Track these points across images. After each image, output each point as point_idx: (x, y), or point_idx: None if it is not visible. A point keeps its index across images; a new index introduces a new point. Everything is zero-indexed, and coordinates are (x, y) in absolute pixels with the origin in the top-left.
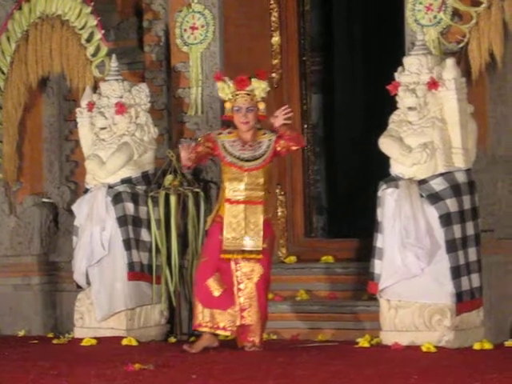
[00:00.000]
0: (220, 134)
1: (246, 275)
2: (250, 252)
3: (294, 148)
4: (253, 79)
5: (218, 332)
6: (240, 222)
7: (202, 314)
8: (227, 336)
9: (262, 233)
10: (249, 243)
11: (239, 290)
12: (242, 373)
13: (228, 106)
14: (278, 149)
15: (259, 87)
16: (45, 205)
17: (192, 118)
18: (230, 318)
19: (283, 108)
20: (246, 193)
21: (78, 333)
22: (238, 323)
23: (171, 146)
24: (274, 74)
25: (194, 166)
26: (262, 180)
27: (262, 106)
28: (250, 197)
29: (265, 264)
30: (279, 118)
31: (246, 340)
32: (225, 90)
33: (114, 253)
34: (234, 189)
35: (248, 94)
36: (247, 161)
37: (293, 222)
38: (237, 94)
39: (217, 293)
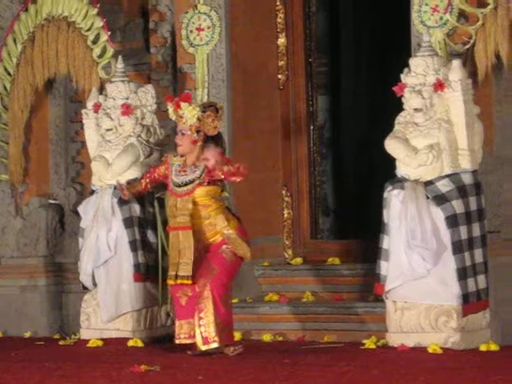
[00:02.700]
0: (175, 156)
1: (203, 280)
2: (182, 277)
3: (237, 180)
4: (181, 103)
5: (190, 341)
6: (176, 247)
7: (177, 327)
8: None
9: (192, 257)
10: (181, 268)
11: (199, 294)
12: (248, 374)
13: None
14: (219, 177)
15: (187, 112)
16: (51, 206)
17: None
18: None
19: (208, 150)
20: (178, 218)
21: (84, 334)
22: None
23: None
24: (280, 76)
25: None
26: (190, 205)
27: (193, 130)
28: (180, 222)
29: (221, 268)
30: (211, 161)
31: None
32: (170, 112)
33: (120, 254)
34: (171, 214)
35: (181, 117)
36: (179, 186)
37: (299, 223)
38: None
39: (183, 302)
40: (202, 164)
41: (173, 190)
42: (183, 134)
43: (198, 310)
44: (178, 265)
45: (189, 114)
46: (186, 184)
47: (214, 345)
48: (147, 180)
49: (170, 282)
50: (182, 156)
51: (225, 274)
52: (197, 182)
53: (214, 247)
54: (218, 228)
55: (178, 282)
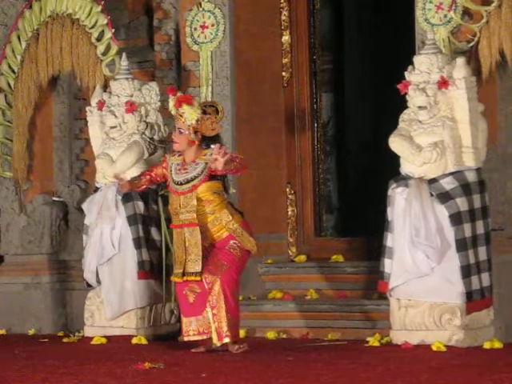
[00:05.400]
0: (173, 155)
1: (212, 276)
2: (190, 274)
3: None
4: (183, 104)
5: (198, 338)
6: (181, 245)
7: (184, 324)
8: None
9: (200, 254)
10: (188, 265)
11: (209, 290)
12: (252, 371)
13: None
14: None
15: (188, 113)
16: (55, 203)
17: None
18: (205, 321)
19: (216, 149)
20: (183, 216)
21: (88, 331)
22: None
23: None
24: (284, 73)
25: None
26: (194, 202)
27: (191, 131)
28: (185, 220)
29: (230, 263)
30: (220, 161)
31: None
32: (171, 106)
33: (124, 251)
34: (174, 213)
35: (180, 115)
36: (181, 184)
37: (303, 220)
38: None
39: (191, 299)
40: (202, 161)
41: (173, 188)
42: (181, 133)
43: (211, 306)
44: (185, 262)
45: (189, 116)
46: (187, 181)
47: (227, 339)
48: (147, 177)
49: (177, 279)
50: (180, 155)
51: (234, 270)
52: (199, 178)
53: (221, 243)
54: (224, 223)
55: (186, 279)
